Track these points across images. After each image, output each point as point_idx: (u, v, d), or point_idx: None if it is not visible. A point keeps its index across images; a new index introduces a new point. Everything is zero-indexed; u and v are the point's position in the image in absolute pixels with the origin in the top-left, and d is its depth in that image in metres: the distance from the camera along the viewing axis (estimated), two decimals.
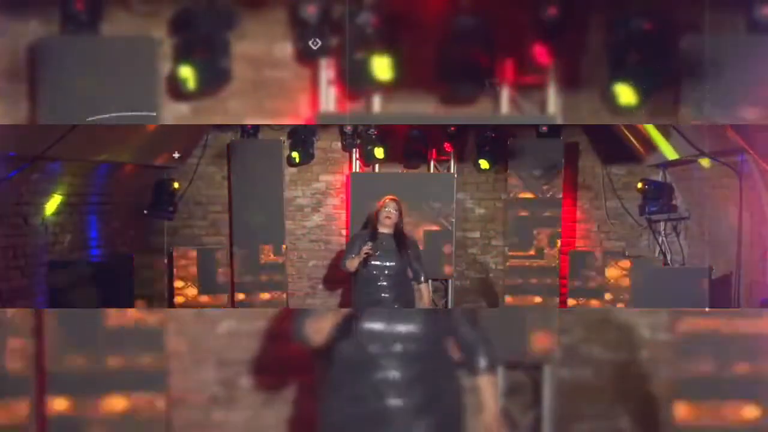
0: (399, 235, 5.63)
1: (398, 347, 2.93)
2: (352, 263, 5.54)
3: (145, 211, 7.27)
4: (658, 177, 7.23)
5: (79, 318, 4.20)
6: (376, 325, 2.95)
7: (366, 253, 5.44)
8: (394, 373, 2.91)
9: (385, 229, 5.62)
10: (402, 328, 2.96)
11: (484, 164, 7.51)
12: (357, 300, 5.69)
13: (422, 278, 5.60)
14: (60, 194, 6.12)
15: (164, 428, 4.22)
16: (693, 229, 6.78)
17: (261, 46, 4.40)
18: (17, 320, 4.09)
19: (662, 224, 7.26)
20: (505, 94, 4.50)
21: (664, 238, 7.25)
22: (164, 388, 4.21)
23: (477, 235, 7.86)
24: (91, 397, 4.16)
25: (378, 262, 5.51)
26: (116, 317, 4.23)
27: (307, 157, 7.55)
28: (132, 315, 4.29)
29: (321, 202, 7.82)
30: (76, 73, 4.23)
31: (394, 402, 2.90)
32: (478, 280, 7.88)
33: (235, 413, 4.42)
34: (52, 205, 6.02)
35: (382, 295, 5.49)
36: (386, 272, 5.49)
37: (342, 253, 5.96)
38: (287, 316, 2.96)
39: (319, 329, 2.89)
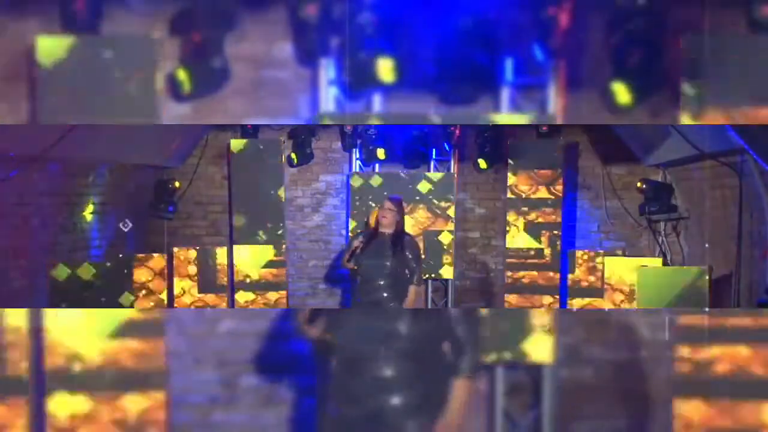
0: (398, 235, 5.65)
1: (392, 346, 2.95)
2: (345, 260, 5.69)
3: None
4: (658, 177, 7.25)
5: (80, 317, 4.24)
6: (372, 323, 2.98)
7: (355, 248, 5.54)
8: (387, 372, 2.94)
9: (384, 229, 5.65)
10: (397, 326, 2.98)
11: (482, 164, 7.52)
12: (355, 299, 5.75)
13: (415, 280, 5.59)
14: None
15: (164, 428, 4.26)
16: (693, 229, 6.79)
17: (261, 46, 4.40)
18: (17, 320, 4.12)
19: (662, 224, 7.27)
20: (505, 93, 4.53)
21: (664, 238, 7.25)
22: (164, 389, 4.20)
23: (477, 235, 7.89)
24: (91, 396, 4.21)
25: (375, 261, 5.54)
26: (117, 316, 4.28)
27: (305, 158, 7.59)
28: (132, 314, 4.32)
29: (321, 203, 7.87)
30: (76, 73, 4.23)
31: (387, 401, 2.93)
32: (478, 280, 7.90)
33: (235, 414, 4.46)
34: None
35: (381, 294, 5.51)
36: (383, 271, 5.50)
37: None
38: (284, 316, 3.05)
39: (314, 326, 2.96)
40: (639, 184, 7.13)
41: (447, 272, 7.41)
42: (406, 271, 5.56)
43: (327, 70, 4.44)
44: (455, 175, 7.61)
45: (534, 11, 4.33)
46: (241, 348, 4.37)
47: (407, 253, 5.56)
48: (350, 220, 7.47)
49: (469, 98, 4.46)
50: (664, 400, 4.33)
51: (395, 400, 2.93)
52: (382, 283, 5.50)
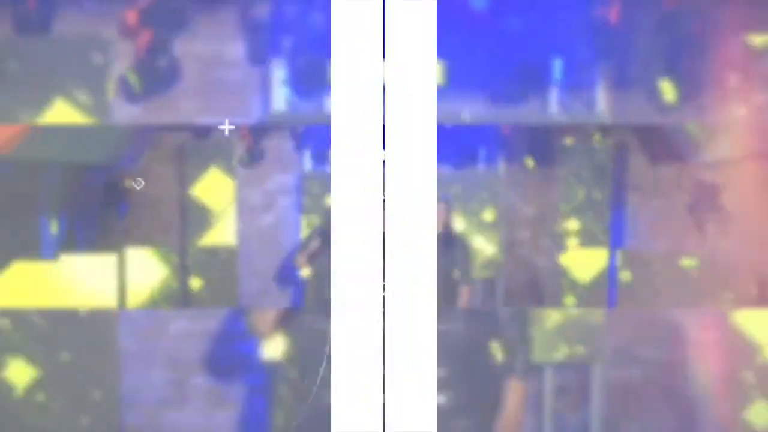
0: None
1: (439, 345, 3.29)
2: (299, 260, 6.50)
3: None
4: (707, 176, 7.84)
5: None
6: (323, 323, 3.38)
7: (313, 249, 6.22)
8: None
9: None
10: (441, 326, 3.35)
11: (529, 163, 8.67)
12: (309, 297, 6.45)
13: None
14: (45, 197, 7.08)
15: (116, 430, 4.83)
16: (740, 228, 7.41)
17: (212, 46, 5.38)
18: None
19: (710, 223, 7.74)
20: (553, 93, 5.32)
21: (711, 238, 7.78)
22: (116, 389, 4.94)
23: (527, 235, 9.28)
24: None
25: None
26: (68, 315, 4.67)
27: (257, 158, 8.34)
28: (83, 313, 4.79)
29: (273, 203, 8.72)
30: (27, 73, 4.99)
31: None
32: (525, 281, 9.50)
33: (186, 414, 5.26)
34: (47, 208, 7.12)
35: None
36: None
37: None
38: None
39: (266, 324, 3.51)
40: (687, 183, 7.85)
41: None
42: None
43: (278, 71, 5.38)
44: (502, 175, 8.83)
45: (582, 11, 5.10)
46: (194, 349, 5.37)
47: None
48: (302, 219, 8.25)
49: (518, 98, 5.57)
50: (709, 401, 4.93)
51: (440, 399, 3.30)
52: None
